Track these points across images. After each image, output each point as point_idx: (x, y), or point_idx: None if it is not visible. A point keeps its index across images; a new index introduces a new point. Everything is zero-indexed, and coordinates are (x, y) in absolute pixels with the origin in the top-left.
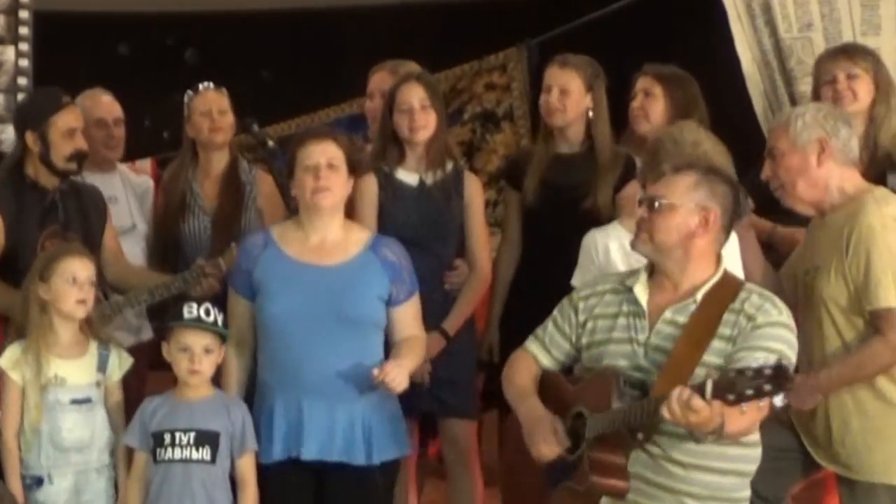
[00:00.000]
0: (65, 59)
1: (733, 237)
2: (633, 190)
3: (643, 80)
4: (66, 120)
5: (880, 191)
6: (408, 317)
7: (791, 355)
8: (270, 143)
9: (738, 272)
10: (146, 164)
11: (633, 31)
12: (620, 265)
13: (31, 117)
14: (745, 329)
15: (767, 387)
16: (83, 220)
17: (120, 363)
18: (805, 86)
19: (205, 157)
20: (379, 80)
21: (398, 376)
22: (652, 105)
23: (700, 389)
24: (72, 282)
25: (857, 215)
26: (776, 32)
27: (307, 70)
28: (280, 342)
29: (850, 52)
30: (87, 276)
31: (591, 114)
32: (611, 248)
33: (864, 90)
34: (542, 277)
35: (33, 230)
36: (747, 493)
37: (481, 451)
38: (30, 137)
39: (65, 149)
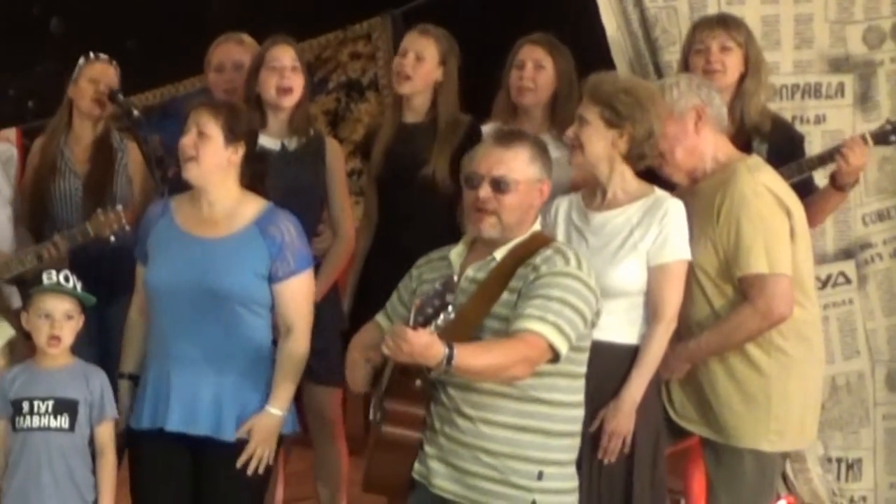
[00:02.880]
0: None
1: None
2: None
3: (533, 50)
4: None
5: (753, 159)
6: (287, 296)
7: (577, 302)
8: (136, 112)
9: None
10: (11, 133)
11: (498, 1)
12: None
13: None
14: (529, 280)
15: (437, 302)
16: None
17: None
18: (670, 55)
19: (79, 124)
20: (227, 50)
21: (259, 453)
22: (542, 77)
23: (407, 319)
24: None
25: (728, 183)
26: (641, 2)
27: (171, 40)
28: (156, 311)
29: (727, 24)
30: None
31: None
32: (560, 211)
33: (734, 64)
34: (391, 246)
35: None
36: (557, 455)
37: (346, 421)
38: None
39: None
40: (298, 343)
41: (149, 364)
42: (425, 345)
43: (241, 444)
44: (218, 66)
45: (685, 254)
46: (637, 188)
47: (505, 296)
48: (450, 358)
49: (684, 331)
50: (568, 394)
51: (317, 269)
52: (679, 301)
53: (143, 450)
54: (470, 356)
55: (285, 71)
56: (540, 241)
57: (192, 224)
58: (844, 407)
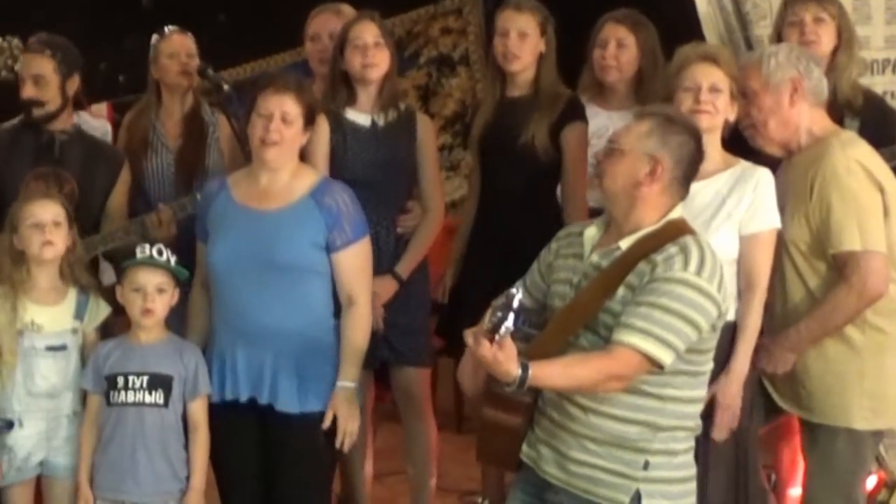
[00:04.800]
0: (20, 3)
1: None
2: None
3: (615, 29)
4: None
5: (846, 134)
6: (346, 266)
7: (687, 311)
8: (226, 87)
9: None
10: (102, 108)
11: None
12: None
13: None
14: (645, 279)
15: (500, 314)
16: (86, 171)
17: (98, 311)
18: (760, 29)
19: (169, 99)
20: (323, 21)
21: (349, 428)
22: (625, 55)
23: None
24: (35, 226)
25: (821, 158)
26: None
27: (263, 14)
28: (219, 285)
29: None
30: (50, 218)
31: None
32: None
33: (829, 36)
34: (490, 218)
35: (23, 167)
36: (668, 445)
37: (436, 397)
38: None
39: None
40: (362, 314)
41: (215, 339)
42: (494, 360)
43: (306, 415)
44: (313, 36)
45: (776, 222)
46: (722, 159)
47: (621, 291)
48: (523, 380)
49: (780, 314)
50: (684, 390)
51: (405, 245)
52: (769, 270)
53: (216, 423)
54: (548, 378)
55: (368, 49)
56: (670, 234)
57: (249, 198)
58: None
